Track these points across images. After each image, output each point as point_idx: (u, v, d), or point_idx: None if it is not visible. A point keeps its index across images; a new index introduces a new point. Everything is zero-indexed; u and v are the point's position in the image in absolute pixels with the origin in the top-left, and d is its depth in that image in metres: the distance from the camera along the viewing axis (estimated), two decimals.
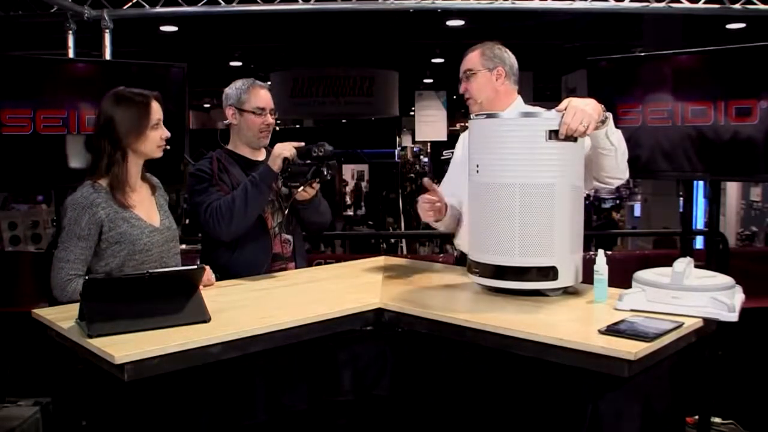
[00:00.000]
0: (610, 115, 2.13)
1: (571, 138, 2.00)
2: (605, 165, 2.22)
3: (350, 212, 16.60)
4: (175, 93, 4.08)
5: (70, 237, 2.19)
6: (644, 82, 3.81)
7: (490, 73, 2.46)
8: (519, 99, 2.53)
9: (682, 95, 3.66)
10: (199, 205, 2.53)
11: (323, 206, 2.75)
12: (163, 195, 2.46)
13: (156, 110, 2.29)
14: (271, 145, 2.75)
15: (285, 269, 2.66)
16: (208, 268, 2.26)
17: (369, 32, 10.54)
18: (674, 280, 1.89)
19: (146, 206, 2.34)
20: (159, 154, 2.33)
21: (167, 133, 2.32)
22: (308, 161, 2.47)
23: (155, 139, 2.29)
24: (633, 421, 1.74)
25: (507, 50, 2.51)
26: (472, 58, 2.48)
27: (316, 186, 2.56)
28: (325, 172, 2.47)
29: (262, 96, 2.65)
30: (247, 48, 12.54)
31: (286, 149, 2.47)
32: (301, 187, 2.52)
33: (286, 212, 2.66)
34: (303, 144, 2.52)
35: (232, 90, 2.67)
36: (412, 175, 18.21)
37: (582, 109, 1.99)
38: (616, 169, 2.24)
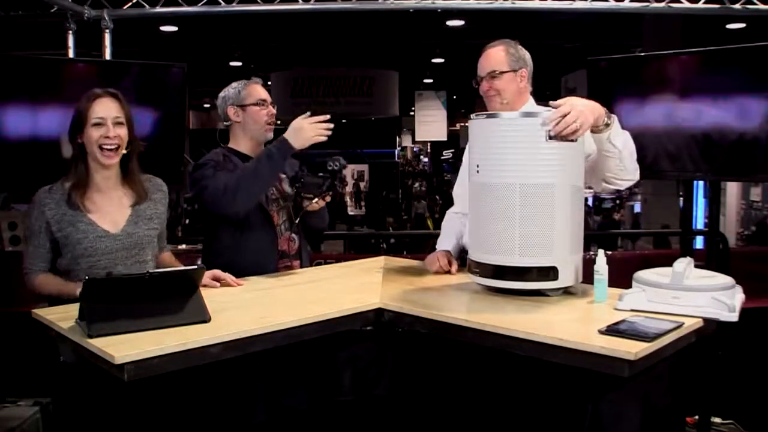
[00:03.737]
0: (615, 118, 2.10)
1: (566, 138, 1.98)
2: (610, 166, 2.19)
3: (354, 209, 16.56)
4: (175, 93, 4.08)
5: (28, 234, 2.28)
6: (644, 82, 3.81)
7: (515, 74, 2.44)
8: (531, 100, 2.52)
9: (682, 95, 3.65)
10: (206, 187, 2.48)
11: (324, 211, 2.76)
12: (158, 200, 2.39)
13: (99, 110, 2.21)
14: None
15: (291, 267, 2.66)
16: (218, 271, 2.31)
17: (369, 32, 10.55)
18: (674, 280, 1.89)
19: (111, 211, 2.27)
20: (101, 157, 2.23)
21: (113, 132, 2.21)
22: (321, 173, 2.47)
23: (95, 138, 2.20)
24: (633, 421, 1.74)
25: (525, 50, 2.49)
26: (497, 58, 2.45)
27: (328, 199, 2.56)
28: (338, 186, 2.50)
29: (260, 90, 2.68)
30: (247, 48, 12.55)
31: (318, 135, 2.38)
32: (316, 200, 2.53)
33: (295, 220, 2.66)
34: (331, 128, 2.42)
35: (229, 91, 2.69)
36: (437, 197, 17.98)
37: (580, 110, 1.98)
38: (622, 171, 2.21)
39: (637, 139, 2.26)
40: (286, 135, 2.44)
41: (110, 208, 2.29)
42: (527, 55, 2.49)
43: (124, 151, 2.27)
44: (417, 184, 20.84)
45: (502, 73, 2.43)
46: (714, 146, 3.56)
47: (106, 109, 2.22)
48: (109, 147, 2.22)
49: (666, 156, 3.69)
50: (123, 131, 2.24)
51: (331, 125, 2.43)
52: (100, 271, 2.20)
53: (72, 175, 2.26)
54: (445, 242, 2.62)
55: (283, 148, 2.44)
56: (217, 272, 2.35)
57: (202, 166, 2.57)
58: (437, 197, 17.69)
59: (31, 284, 2.27)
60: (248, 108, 2.64)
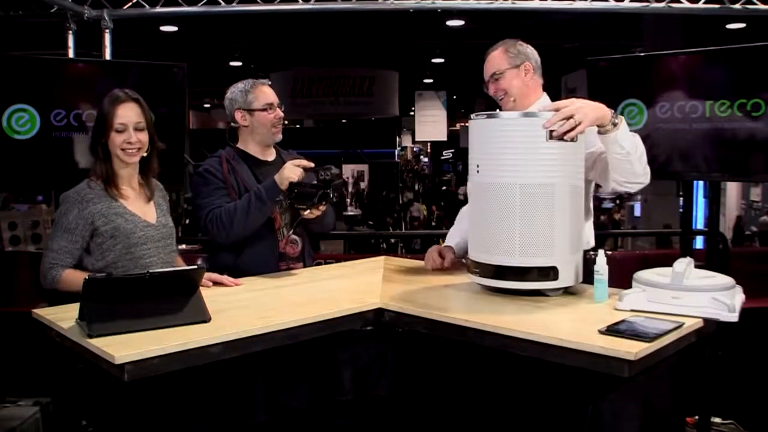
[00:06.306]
0: (623, 119, 2.08)
1: (564, 137, 1.98)
2: (619, 169, 2.17)
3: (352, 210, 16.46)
4: (175, 93, 4.08)
5: (57, 229, 2.28)
6: (644, 82, 3.81)
7: (517, 69, 2.40)
8: (545, 96, 2.47)
9: (682, 95, 3.66)
10: (201, 208, 2.55)
11: (328, 217, 2.73)
12: (162, 196, 2.50)
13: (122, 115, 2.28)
14: (283, 145, 2.78)
15: (291, 270, 2.65)
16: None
17: (369, 32, 10.55)
18: (674, 280, 1.89)
19: (141, 204, 2.39)
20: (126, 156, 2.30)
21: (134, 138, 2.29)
22: (315, 182, 2.48)
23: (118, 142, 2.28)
24: (633, 421, 1.74)
25: (529, 46, 2.45)
26: (496, 59, 2.43)
27: (323, 208, 2.55)
28: (331, 195, 2.49)
29: (267, 93, 2.67)
30: (247, 48, 12.55)
31: (295, 174, 2.47)
32: (308, 210, 2.53)
33: (290, 230, 2.65)
34: (313, 165, 2.52)
35: (235, 94, 2.67)
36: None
37: (579, 106, 1.97)
38: (632, 174, 2.18)
39: None
40: (277, 178, 2.49)
41: (140, 202, 2.39)
42: (529, 50, 2.44)
43: (144, 154, 2.34)
44: (400, 185, 20.11)
45: (502, 72, 2.41)
46: (713, 146, 3.56)
47: (128, 114, 2.28)
48: (130, 150, 2.29)
49: (668, 156, 3.69)
50: (144, 136, 2.31)
51: (311, 164, 2.51)
52: (152, 259, 2.31)
53: (99, 173, 2.32)
54: (450, 239, 2.61)
55: (272, 190, 2.49)
56: (215, 275, 2.37)
57: (203, 178, 2.58)
58: (433, 207, 17.27)
59: (55, 279, 2.23)
60: (256, 113, 2.64)
